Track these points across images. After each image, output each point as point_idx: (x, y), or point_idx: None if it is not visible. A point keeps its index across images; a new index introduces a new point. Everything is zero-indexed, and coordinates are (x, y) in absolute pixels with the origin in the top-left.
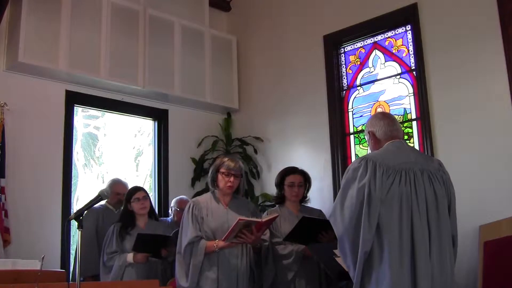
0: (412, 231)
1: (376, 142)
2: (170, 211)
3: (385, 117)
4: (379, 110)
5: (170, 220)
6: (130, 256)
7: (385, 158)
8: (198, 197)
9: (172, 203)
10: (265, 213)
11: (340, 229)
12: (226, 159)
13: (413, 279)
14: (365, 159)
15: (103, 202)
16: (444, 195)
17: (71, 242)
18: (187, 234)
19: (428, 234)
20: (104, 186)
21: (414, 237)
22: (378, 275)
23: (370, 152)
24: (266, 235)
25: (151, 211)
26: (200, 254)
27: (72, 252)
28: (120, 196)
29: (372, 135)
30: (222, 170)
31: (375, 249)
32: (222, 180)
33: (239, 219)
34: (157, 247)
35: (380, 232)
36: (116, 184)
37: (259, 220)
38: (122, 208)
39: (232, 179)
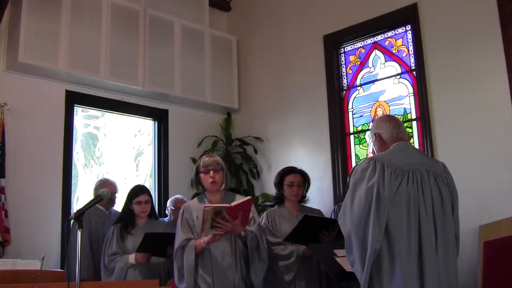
0: (419, 231)
1: (382, 144)
2: (166, 211)
3: (391, 120)
4: (379, 110)
5: (168, 221)
6: (132, 257)
7: (393, 159)
8: (189, 201)
9: (168, 203)
10: (264, 213)
11: (348, 228)
12: (203, 157)
13: (420, 277)
14: (373, 159)
15: None
16: (448, 196)
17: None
18: (178, 238)
19: (435, 234)
20: (92, 187)
21: (421, 236)
22: (387, 273)
23: (375, 153)
24: (253, 226)
25: (151, 211)
26: (190, 254)
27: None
28: (111, 195)
29: (378, 137)
30: (201, 169)
31: (383, 247)
32: (204, 179)
33: (205, 207)
34: (163, 245)
35: (388, 231)
36: (106, 185)
37: (228, 205)
38: (123, 206)
39: (211, 174)
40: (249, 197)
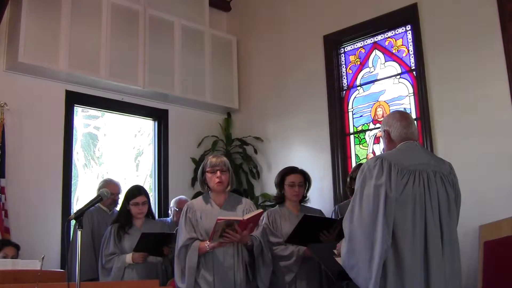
0: (425, 231)
1: (390, 141)
2: (170, 211)
3: (402, 119)
4: (379, 110)
5: (170, 221)
6: (129, 257)
7: (400, 158)
8: (192, 200)
9: (172, 203)
10: (264, 213)
11: (355, 227)
12: (209, 157)
13: (426, 277)
14: (380, 158)
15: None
16: (454, 197)
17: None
18: (181, 237)
19: (440, 234)
20: (96, 187)
21: (427, 236)
22: (392, 273)
23: (382, 149)
24: (258, 231)
25: (149, 211)
26: (194, 255)
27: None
28: (114, 196)
29: (387, 134)
30: (207, 169)
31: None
32: (210, 179)
33: (217, 219)
34: (159, 245)
35: (394, 231)
36: (109, 185)
37: (240, 218)
38: (120, 206)
39: (218, 174)
40: (260, 210)
